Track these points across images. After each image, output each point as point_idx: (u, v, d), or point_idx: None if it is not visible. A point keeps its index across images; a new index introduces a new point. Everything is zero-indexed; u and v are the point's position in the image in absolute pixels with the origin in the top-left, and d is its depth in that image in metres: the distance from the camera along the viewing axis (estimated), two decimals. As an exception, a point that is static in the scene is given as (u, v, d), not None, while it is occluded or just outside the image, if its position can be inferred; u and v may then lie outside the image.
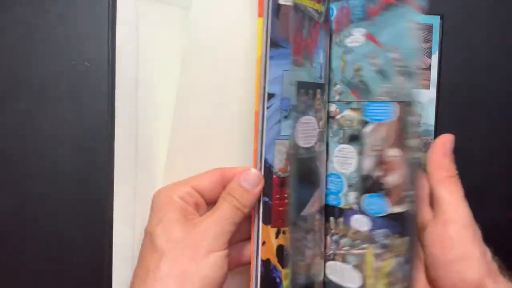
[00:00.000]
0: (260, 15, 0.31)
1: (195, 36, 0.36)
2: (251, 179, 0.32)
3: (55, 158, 0.42)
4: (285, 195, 0.33)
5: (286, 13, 0.32)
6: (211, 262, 0.30)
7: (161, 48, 0.39)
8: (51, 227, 0.42)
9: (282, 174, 0.33)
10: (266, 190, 0.32)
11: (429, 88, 0.43)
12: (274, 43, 0.31)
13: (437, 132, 0.43)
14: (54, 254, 0.42)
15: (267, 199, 0.32)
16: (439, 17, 0.42)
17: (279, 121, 0.32)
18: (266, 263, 0.32)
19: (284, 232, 0.33)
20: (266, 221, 0.32)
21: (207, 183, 0.33)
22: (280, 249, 0.33)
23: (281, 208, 0.33)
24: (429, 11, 0.42)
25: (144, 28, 0.39)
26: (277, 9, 0.31)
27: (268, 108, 0.32)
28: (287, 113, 0.32)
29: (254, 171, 0.32)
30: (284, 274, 0.33)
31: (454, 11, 0.43)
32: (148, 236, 0.32)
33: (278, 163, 0.32)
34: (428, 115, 0.43)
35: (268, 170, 0.32)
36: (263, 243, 0.32)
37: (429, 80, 0.43)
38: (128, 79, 0.39)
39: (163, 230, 0.31)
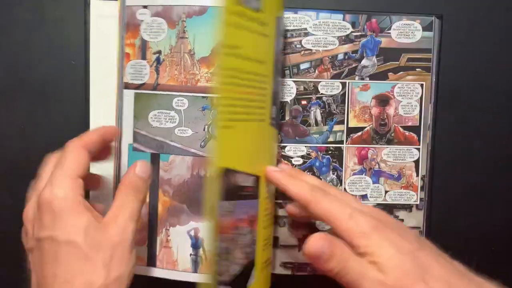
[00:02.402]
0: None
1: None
2: (146, 169, 0.35)
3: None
4: None
5: None
6: (134, 258, 0.32)
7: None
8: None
9: None
10: None
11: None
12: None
13: (437, 132, 0.43)
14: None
15: None
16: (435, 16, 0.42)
17: None
18: None
19: None
20: None
21: (84, 165, 0.32)
22: None
23: None
24: (429, 11, 0.42)
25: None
26: None
27: None
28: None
29: (144, 161, 0.35)
30: None
31: (454, 11, 0.43)
32: (70, 246, 0.29)
33: None
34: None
35: None
36: None
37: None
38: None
39: (88, 240, 0.30)
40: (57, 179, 0.31)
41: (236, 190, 0.33)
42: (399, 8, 0.42)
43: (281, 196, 0.41)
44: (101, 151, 0.37)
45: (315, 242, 0.30)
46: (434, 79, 0.43)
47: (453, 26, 0.43)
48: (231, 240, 0.33)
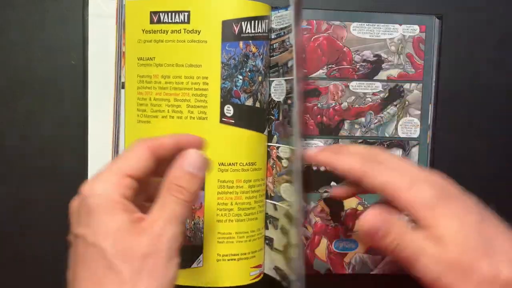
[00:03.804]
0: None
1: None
2: (197, 162, 0.29)
3: (55, 158, 0.42)
4: None
5: None
6: (173, 272, 0.27)
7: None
8: (51, 227, 0.42)
9: None
10: None
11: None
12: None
13: (437, 132, 0.43)
14: (54, 253, 0.42)
15: None
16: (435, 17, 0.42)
17: None
18: None
19: None
20: None
21: (140, 165, 0.28)
22: None
23: None
24: (429, 11, 0.42)
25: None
26: None
27: None
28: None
29: (198, 152, 0.29)
30: None
31: (454, 11, 0.43)
32: (96, 250, 0.26)
33: None
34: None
35: None
36: None
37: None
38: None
39: (115, 246, 0.26)
40: (103, 174, 0.28)
41: None
42: (399, 8, 0.42)
43: (277, 198, 0.41)
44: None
45: (370, 218, 0.29)
46: (434, 79, 0.43)
47: (453, 26, 0.43)
48: None
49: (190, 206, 0.29)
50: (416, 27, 0.42)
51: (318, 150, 0.34)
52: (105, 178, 0.28)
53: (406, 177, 0.29)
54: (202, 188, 0.38)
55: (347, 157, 0.31)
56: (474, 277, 0.26)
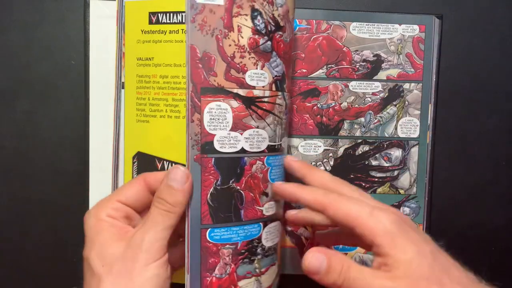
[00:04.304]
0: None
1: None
2: (179, 177, 0.31)
3: (55, 158, 0.42)
4: None
5: None
6: (151, 274, 0.29)
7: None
8: (51, 227, 0.42)
9: None
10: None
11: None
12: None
13: (437, 132, 0.43)
14: (53, 254, 0.42)
15: None
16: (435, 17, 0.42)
17: None
18: None
19: None
20: None
21: (132, 193, 0.32)
22: None
23: None
24: (429, 11, 0.42)
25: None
26: None
27: None
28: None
29: (180, 168, 0.31)
30: None
31: (454, 11, 0.43)
32: (86, 262, 0.30)
33: None
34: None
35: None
36: None
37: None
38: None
39: (96, 254, 0.30)
40: (99, 201, 0.33)
41: None
42: (399, 8, 0.42)
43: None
44: None
45: (309, 256, 0.30)
46: (434, 79, 0.43)
47: (453, 26, 0.43)
48: None
49: (174, 216, 0.31)
50: (416, 27, 0.42)
51: (281, 184, 0.35)
52: (98, 203, 0.32)
53: (367, 207, 0.30)
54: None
55: (310, 190, 0.33)
56: None
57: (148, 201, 0.32)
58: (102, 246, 0.30)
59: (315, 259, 0.29)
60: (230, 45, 0.33)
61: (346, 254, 0.43)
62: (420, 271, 0.27)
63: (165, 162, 0.38)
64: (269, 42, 0.34)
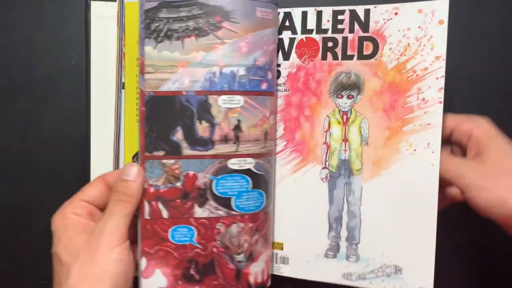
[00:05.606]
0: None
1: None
2: (132, 171, 0.35)
3: (55, 158, 0.42)
4: None
5: None
6: (114, 257, 0.33)
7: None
8: (51, 226, 0.42)
9: None
10: None
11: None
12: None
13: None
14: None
15: None
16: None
17: None
18: None
19: None
20: None
21: (94, 191, 0.36)
22: None
23: None
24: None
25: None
26: None
27: None
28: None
29: (133, 164, 0.35)
30: None
31: (454, 11, 0.43)
32: (55, 256, 0.33)
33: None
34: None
35: None
36: None
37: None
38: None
39: (64, 248, 0.33)
40: (66, 201, 0.35)
41: None
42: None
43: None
44: None
45: None
46: (434, 79, 0.43)
47: (453, 26, 0.43)
48: None
49: (130, 205, 0.34)
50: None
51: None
52: (64, 204, 0.35)
53: (464, 116, 0.38)
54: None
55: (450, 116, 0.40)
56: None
57: (108, 199, 0.35)
58: (69, 240, 0.33)
59: None
60: None
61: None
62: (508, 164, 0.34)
63: None
64: None
